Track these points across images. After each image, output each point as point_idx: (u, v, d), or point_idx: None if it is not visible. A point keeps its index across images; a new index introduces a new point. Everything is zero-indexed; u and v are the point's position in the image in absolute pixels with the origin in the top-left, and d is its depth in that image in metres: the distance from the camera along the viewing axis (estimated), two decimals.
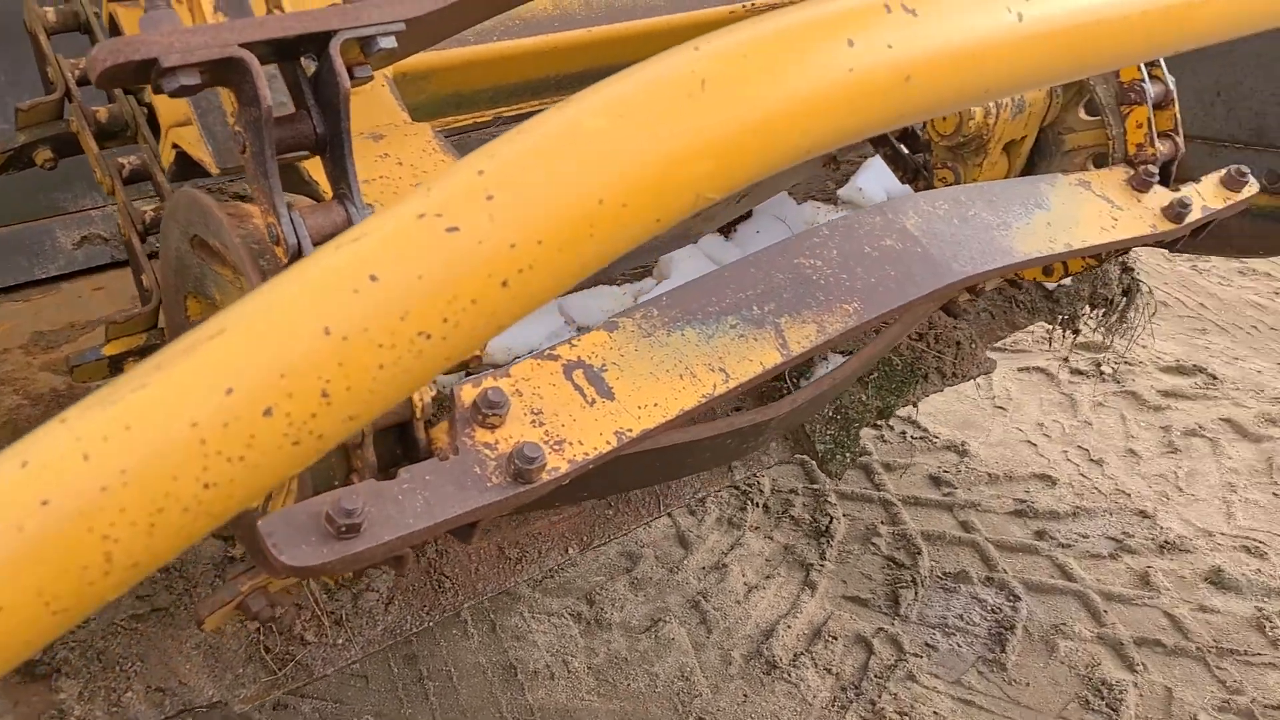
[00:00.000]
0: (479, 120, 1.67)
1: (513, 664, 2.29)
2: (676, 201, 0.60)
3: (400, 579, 1.66)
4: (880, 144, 2.33)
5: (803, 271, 1.32)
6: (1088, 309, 2.30)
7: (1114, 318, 2.32)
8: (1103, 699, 2.24)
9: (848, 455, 2.01)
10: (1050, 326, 2.26)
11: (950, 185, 1.94)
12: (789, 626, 2.41)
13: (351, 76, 1.06)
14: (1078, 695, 2.26)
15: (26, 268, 2.70)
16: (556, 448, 1.10)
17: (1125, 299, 2.33)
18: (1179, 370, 3.53)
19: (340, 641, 1.59)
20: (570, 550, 1.80)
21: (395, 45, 1.06)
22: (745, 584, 2.55)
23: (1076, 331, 2.31)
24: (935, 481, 2.96)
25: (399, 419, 1.10)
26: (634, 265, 2.29)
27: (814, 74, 0.63)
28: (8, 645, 0.50)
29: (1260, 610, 2.50)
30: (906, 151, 2.26)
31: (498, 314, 0.57)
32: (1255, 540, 2.74)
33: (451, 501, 1.04)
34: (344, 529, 0.96)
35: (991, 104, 1.85)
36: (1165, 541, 2.73)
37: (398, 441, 1.13)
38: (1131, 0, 0.76)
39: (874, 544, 2.70)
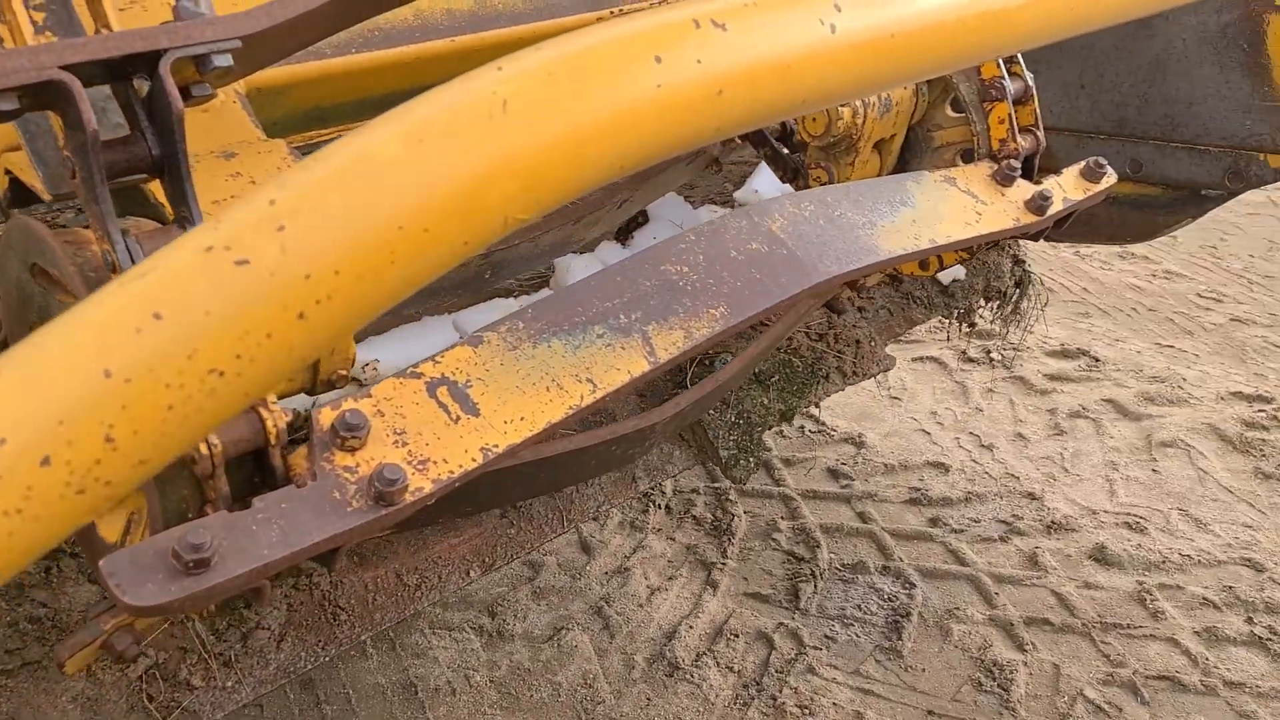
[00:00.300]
0: (343, 133, 1.64)
1: (413, 682, 2.25)
2: (484, 224, 0.59)
3: (293, 614, 1.61)
4: (760, 144, 2.35)
5: (669, 278, 1.32)
6: (982, 301, 2.34)
7: (1008, 309, 2.38)
8: (994, 679, 2.30)
9: (751, 460, 2.02)
10: (946, 320, 2.31)
11: (825, 184, 1.97)
12: (691, 627, 2.42)
13: (189, 95, 1.03)
14: (970, 678, 2.32)
15: None
16: (420, 468, 1.09)
17: (1018, 290, 2.39)
18: (1064, 354, 3.64)
19: (230, 684, 1.52)
20: (472, 573, 1.76)
21: (231, 63, 1.03)
22: (648, 587, 2.56)
23: (973, 325, 2.36)
24: (833, 474, 3.00)
25: (253, 445, 1.07)
26: (530, 276, 2.28)
27: (621, 91, 0.62)
28: None
29: (1141, 584, 2.59)
30: (786, 152, 2.29)
31: (296, 347, 0.55)
32: (1136, 516, 2.84)
33: (309, 529, 1.01)
34: (192, 564, 0.93)
35: (859, 103, 1.89)
36: (1052, 522, 2.81)
37: (254, 469, 1.10)
38: (943, 10, 0.78)
39: (774, 539, 2.73)
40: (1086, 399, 3.39)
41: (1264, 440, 3.17)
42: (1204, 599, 2.56)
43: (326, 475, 1.05)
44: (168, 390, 0.52)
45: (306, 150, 1.55)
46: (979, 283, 2.31)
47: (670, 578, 2.59)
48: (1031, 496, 2.92)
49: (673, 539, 2.73)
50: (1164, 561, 2.68)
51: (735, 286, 1.34)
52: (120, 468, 0.52)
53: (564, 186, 0.61)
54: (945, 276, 2.23)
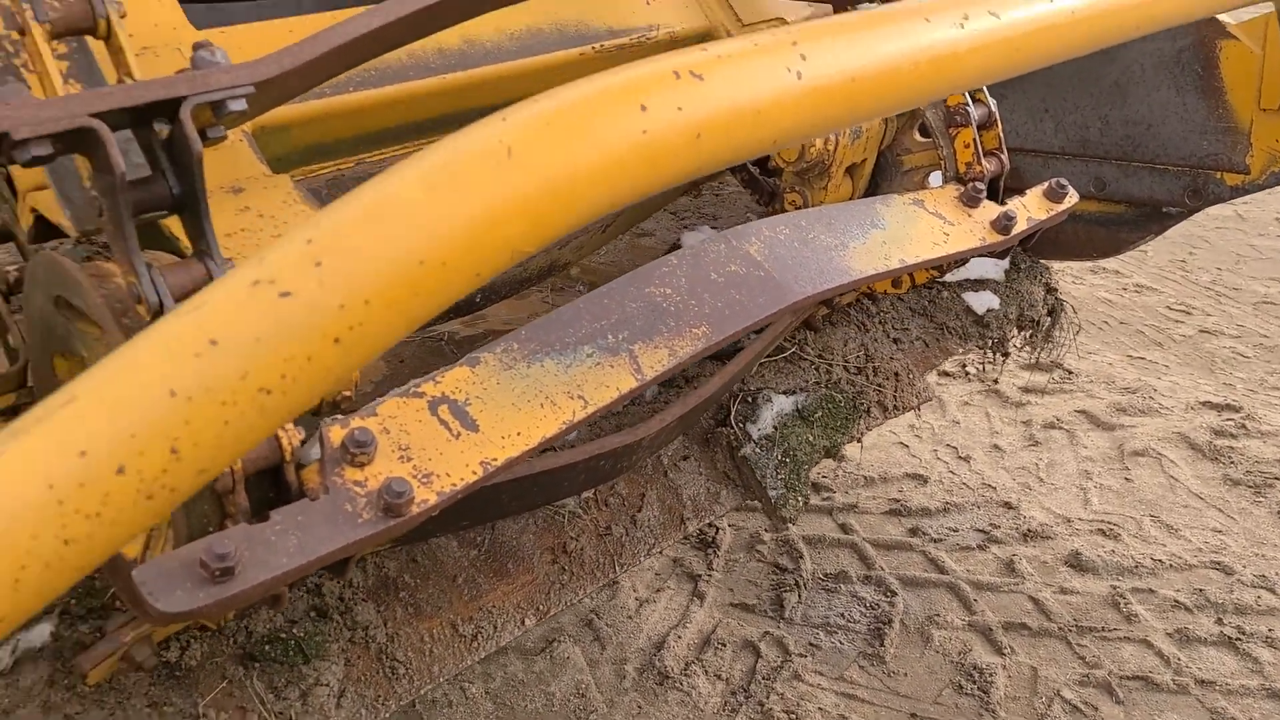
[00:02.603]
0: (341, 167, 1.72)
1: None
2: (493, 258, 0.67)
3: (350, 668, 1.58)
4: (738, 170, 2.45)
5: (654, 300, 1.40)
6: (1015, 330, 2.39)
7: (1041, 336, 2.44)
8: (974, 683, 2.38)
9: (800, 499, 2.02)
10: (981, 350, 2.36)
11: (799, 208, 2.06)
12: (679, 637, 2.49)
13: (205, 137, 1.11)
14: (951, 681, 2.40)
15: None
16: (425, 481, 1.16)
17: (1051, 319, 2.46)
18: (1038, 367, 3.74)
19: None
20: (527, 621, 1.76)
21: (245, 107, 1.11)
22: (636, 599, 2.63)
23: (1006, 354, 2.41)
24: (815, 487, 3.08)
25: (269, 462, 1.14)
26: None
27: (611, 137, 0.71)
28: None
29: (1115, 588, 2.68)
30: (762, 177, 2.38)
31: (333, 368, 0.63)
32: (1109, 523, 2.93)
33: (324, 539, 1.09)
34: (218, 573, 1.00)
35: None
36: (1028, 530, 2.90)
37: (270, 484, 1.17)
38: (897, 56, 0.87)
39: (759, 551, 2.80)
40: (1060, 410, 3.49)
41: (1232, 448, 3.27)
42: (1175, 602, 2.65)
43: (338, 489, 1.12)
44: (223, 408, 0.60)
45: (308, 183, 1.63)
46: (1013, 311, 2.36)
47: (658, 590, 2.66)
48: (1008, 506, 3.01)
49: (660, 552, 2.80)
50: (1137, 566, 2.77)
51: (716, 307, 1.42)
52: (183, 476, 0.60)
53: (563, 223, 0.70)
54: (979, 306, 2.29)
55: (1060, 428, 3.40)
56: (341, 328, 0.62)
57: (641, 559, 1.89)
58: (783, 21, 2.02)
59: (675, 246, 2.34)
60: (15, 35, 1.21)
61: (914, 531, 2.90)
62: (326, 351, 0.62)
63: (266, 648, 1.51)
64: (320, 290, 0.62)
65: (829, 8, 1.97)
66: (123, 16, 1.15)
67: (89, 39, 1.21)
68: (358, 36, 1.22)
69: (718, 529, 2.86)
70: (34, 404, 1.57)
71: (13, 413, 1.54)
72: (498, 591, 1.73)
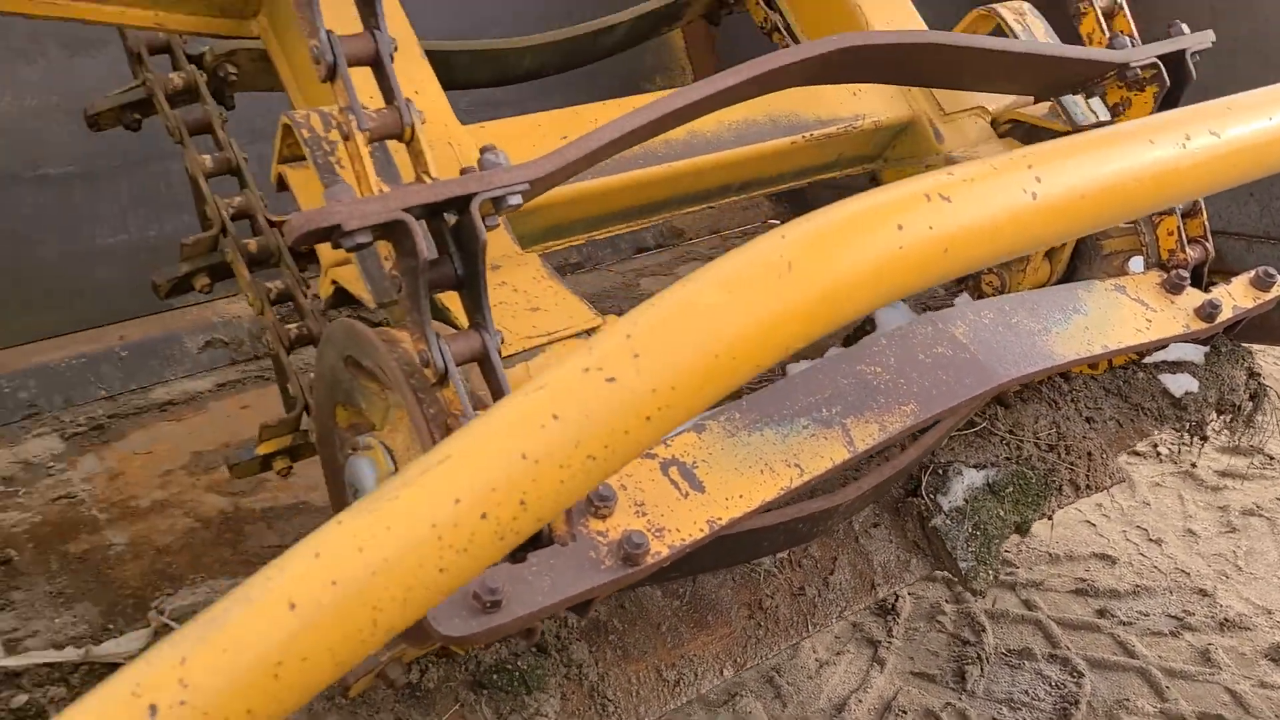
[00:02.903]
0: (574, 243, 1.90)
1: None
2: (772, 354, 0.80)
3: (565, 702, 1.72)
4: None
5: (864, 377, 1.50)
6: (1214, 414, 2.32)
7: (1241, 422, 2.39)
8: None
9: (990, 572, 2.05)
10: (1178, 433, 2.34)
11: (997, 290, 2.13)
12: (860, 701, 2.54)
13: (485, 226, 1.29)
14: None
15: (158, 369, 2.99)
16: (658, 534, 1.30)
17: (1252, 404, 2.41)
18: (1235, 450, 3.61)
19: None
20: (725, 671, 1.84)
21: (521, 202, 1.29)
22: (816, 660, 2.69)
23: (1205, 438, 2.37)
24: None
25: None
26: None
27: (872, 252, 0.83)
28: (305, 686, 0.70)
29: None
30: None
31: (642, 440, 0.77)
32: None
33: (572, 581, 1.23)
34: (488, 604, 1.16)
35: None
36: (1225, 619, 2.81)
37: None
38: (1124, 172, 0.96)
39: (939, 622, 2.82)
40: (1261, 497, 3.36)
41: None
42: None
43: (583, 537, 1.26)
44: (560, 469, 0.75)
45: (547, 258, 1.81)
46: (1212, 395, 2.32)
47: (838, 653, 2.72)
48: (1203, 593, 2.92)
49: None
50: None
51: (924, 386, 1.51)
52: (527, 522, 0.75)
53: (830, 324, 0.82)
54: (1177, 388, 2.27)
55: (1260, 515, 3.27)
56: (652, 408, 0.76)
57: (832, 621, 1.97)
58: (984, 110, 2.10)
59: (869, 323, 2.43)
60: (333, 136, 1.44)
61: (1102, 613, 2.85)
62: (639, 427, 0.76)
63: (494, 676, 1.67)
64: (638, 377, 0.76)
65: (1029, 100, 2.05)
66: (423, 123, 1.35)
67: (390, 141, 1.43)
68: (614, 139, 1.39)
69: (898, 597, 2.89)
70: (305, 444, 1.78)
71: (290, 453, 1.77)
72: (698, 641, 1.84)
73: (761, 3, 2.56)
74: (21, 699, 1.61)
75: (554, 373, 0.78)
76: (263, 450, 1.75)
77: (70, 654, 1.64)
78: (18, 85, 3.28)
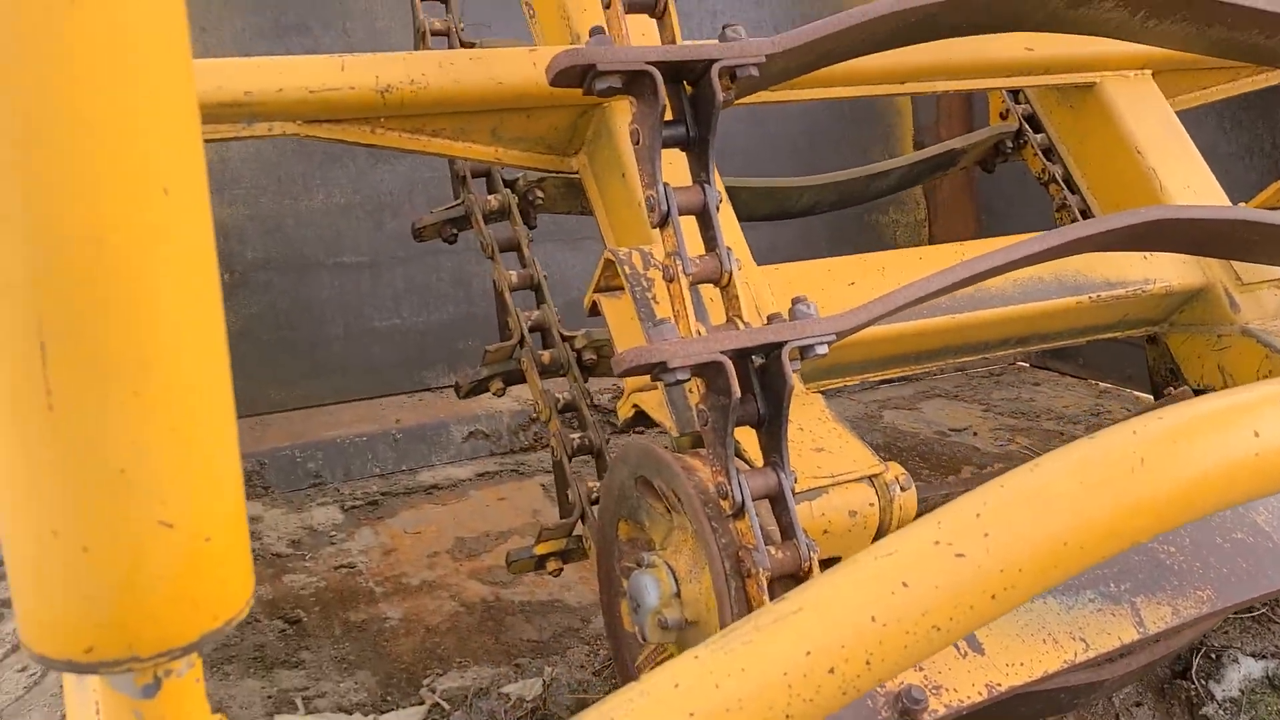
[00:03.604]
0: (849, 383, 1.96)
1: None
2: (1119, 545, 0.82)
3: None
4: None
5: (1157, 556, 1.46)
6: None
7: None
8: None
9: None
10: None
11: None
12: None
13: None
14: None
15: (426, 454, 3.24)
16: (935, 692, 1.30)
17: None
18: None
19: None
20: None
21: (827, 352, 1.36)
22: None
23: None
24: None
25: None
26: None
27: (1226, 456, 0.84)
28: None
29: None
30: None
31: (985, 616, 0.80)
32: None
33: None
34: None
35: None
36: None
37: None
38: None
39: None
40: None
41: None
42: None
43: None
44: (905, 635, 0.79)
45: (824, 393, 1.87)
46: None
47: None
48: None
49: None
50: None
51: (1221, 573, 1.45)
52: (868, 680, 0.79)
53: (1177, 522, 0.83)
54: None
55: None
56: (998, 587, 0.79)
57: None
58: None
59: None
60: (651, 274, 1.57)
61: None
62: (983, 604, 0.80)
63: None
64: (987, 556, 0.79)
65: None
66: (739, 269, 1.45)
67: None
68: (917, 299, 1.44)
69: None
70: (577, 548, 1.87)
71: (562, 555, 1.89)
72: None
73: (1040, 153, 2.58)
74: None
75: (903, 541, 0.82)
76: (540, 550, 1.86)
77: None
78: (329, 186, 3.74)
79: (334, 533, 2.67)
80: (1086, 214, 2.33)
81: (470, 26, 2.21)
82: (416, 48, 2.15)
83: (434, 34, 2.12)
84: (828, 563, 1.48)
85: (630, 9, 1.52)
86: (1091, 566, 0.82)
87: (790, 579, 1.33)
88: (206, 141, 1.59)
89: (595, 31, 1.40)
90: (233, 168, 3.54)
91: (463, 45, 2.12)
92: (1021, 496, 0.82)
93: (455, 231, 2.32)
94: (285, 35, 3.58)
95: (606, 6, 1.52)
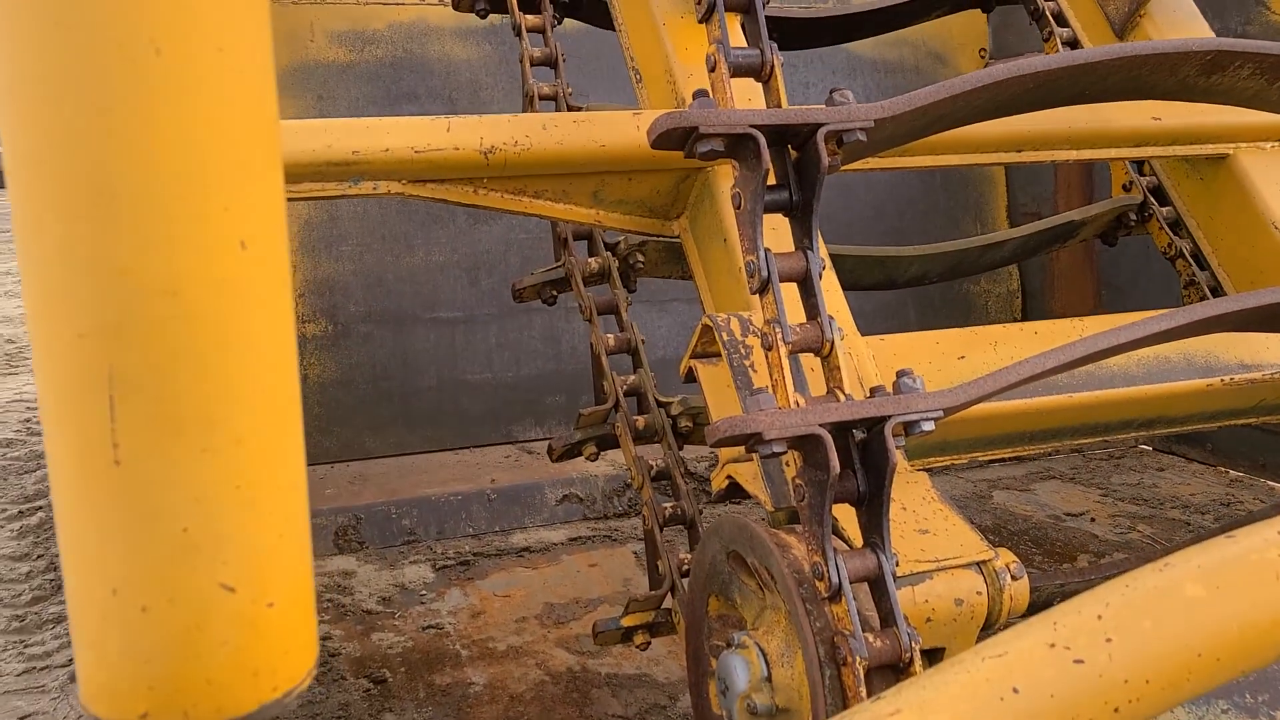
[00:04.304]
0: (955, 461, 1.86)
1: None
2: (1262, 659, 0.73)
3: None
4: None
5: None
6: None
7: None
8: None
9: None
10: None
11: None
12: None
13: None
14: None
15: (519, 516, 3.22)
16: None
17: None
18: None
19: None
20: None
21: (933, 428, 1.29)
22: None
23: None
24: None
25: None
26: None
27: None
28: None
29: None
30: None
31: None
32: None
33: None
34: None
35: None
36: None
37: None
38: None
39: None
40: None
41: None
42: None
43: None
44: None
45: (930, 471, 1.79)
46: None
47: None
48: None
49: None
50: None
51: None
52: None
53: None
54: None
55: None
56: (1122, 699, 0.71)
57: None
58: None
59: None
60: (750, 341, 1.52)
61: None
62: (1104, 716, 0.72)
63: None
64: (1110, 664, 0.71)
65: None
66: (843, 338, 1.40)
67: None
68: (1030, 376, 1.36)
69: None
70: (665, 622, 1.82)
71: (650, 629, 1.83)
72: None
73: (1166, 227, 2.45)
74: None
75: (1015, 641, 0.75)
76: (627, 622, 1.81)
77: None
78: (429, 244, 3.83)
79: (424, 591, 2.67)
80: (1217, 291, 2.20)
81: (576, 95, 2.23)
82: (525, 111, 2.18)
83: (542, 98, 2.14)
84: (930, 654, 1.39)
85: (736, 73, 1.50)
86: (1225, 682, 0.73)
87: (889, 669, 1.25)
88: (314, 199, 1.62)
89: (699, 94, 1.38)
90: (341, 225, 3.66)
91: (570, 109, 2.13)
92: (1148, 600, 0.74)
93: (555, 293, 2.32)
94: (396, 103, 3.70)
95: (711, 70, 1.50)
